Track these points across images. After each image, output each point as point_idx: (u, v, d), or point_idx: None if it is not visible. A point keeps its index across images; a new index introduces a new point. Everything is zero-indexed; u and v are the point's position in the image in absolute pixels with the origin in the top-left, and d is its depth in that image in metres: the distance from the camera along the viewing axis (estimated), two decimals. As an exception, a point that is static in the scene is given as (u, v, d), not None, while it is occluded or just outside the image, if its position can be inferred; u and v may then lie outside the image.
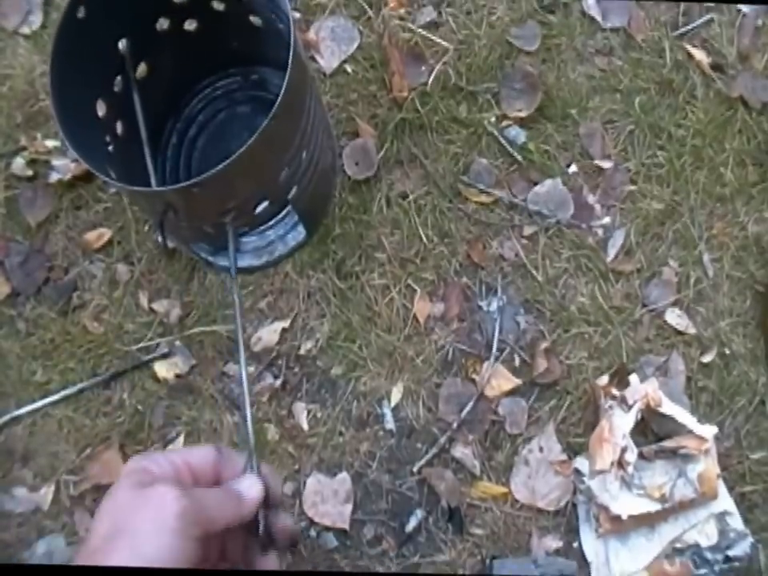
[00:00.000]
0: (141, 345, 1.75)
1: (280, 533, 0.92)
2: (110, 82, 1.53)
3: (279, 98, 1.28)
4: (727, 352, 1.69)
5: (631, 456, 1.53)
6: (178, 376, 1.74)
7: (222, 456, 0.91)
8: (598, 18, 1.85)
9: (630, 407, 1.56)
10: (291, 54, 1.29)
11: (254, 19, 1.57)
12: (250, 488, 0.90)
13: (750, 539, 1.53)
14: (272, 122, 1.29)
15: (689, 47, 1.82)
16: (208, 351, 1.74)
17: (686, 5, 1.85)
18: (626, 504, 1.53)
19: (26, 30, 1.93)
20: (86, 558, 0.76)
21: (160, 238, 1.46)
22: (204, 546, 0.80)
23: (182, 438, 1.71)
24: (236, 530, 0.88)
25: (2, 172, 1.86)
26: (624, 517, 1.52)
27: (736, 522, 1.57)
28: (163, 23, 1.57)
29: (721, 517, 1.56)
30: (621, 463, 1.54)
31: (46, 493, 1.70)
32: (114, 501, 0.79)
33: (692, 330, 1.70)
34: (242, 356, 1.08)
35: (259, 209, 1.51)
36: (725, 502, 1.59)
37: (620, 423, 1.55)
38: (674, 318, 1.71)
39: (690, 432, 1.56)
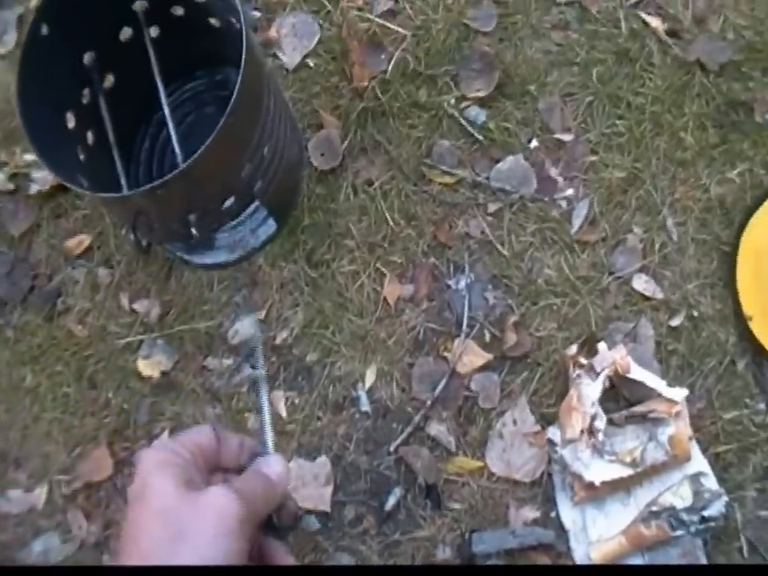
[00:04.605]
0: (125, 341, 1.74)
1: (285, 515, 0.88)
2: (78, 95, 1.52)
3: (233, 98, 1.27)
4: (695, 314, 1.61)
5: (600, 423, 1.47)
6: (163, 373, 1.71)
7: (219, 435, 0.86)
8: (553, -7, 1.80)
9: (597, 375, 1.50)
10: (243, 53, 1.27)
11: (213, 21, 1.55)
12: (279, 468, 0.85)
13: (725, 498, 1.46)
14: (228, 121, 1.27)
15: (644, 15, 1.75)
16: (188, 347, 1.71)
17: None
18: (599, 470, 1.47)
19: (0, 50, 1.93)
20: (140, 561, 0.73)
21: (133, 239, 1.44)
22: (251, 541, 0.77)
23: (166, 434, 1.69)
24: None
25: (-16, 188, 1.86)
26: (597, 483, 1.46)
27: (710, 483, 1.49)
28: (126, 32, 1.55)
29: (695, 478, 1.49)
30: (591, 431, 1.48)
31: (40, 493, 1.69)
32: (163, 502, 0.75)
33: (659, 295, 1.63)
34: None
35: (226, 204, 1.48)
36: (698, 463, 1.52)
37: (588, 391, 1.49)
38: (641, 283, 1.63)
39: (660, 396, 1.49)
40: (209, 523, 0.73)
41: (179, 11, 1.56)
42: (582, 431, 1.47)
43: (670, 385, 1.51)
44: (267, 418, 0.99)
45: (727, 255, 1.63)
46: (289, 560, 0.88)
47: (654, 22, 1.75)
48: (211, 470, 0.84)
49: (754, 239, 1.62)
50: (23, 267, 1.80)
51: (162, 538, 0.73)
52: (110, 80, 1.58)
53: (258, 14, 1.86)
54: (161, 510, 0.74)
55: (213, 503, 0.74)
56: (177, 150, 1.53)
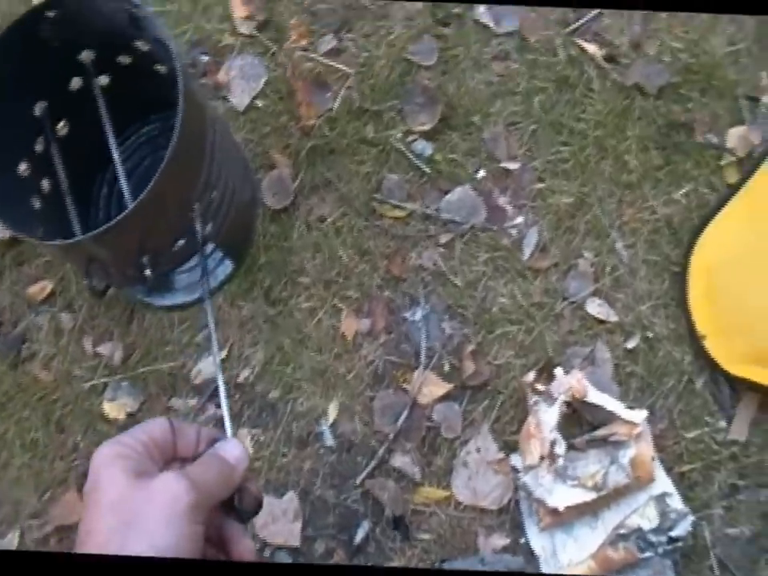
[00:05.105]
0: (90, 384, 1.71)
1: (247, 498, 0.88)
2: (31, 144, 1.50)
3: (172, 144, 1.25)
4: (650, 335, 1.60)
5: (560, 448, 1.46)
6: (129, 415, 1.68)
7: (175, 426, 0.85)
8: (491, 25, 1.79)
9: (555, 400, 1.49)
10: (181, 99, 1.25)
11: (160, 68, 1.52)
12: (237, 452, 0.86)
13: (691, 518, 1.45)
14: (169, 165, 1.24)
15: (581, 42, 1.75)
16: (152, 388, 1.69)
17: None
18: (561, 496, 1.45)
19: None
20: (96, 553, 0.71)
21: (87, 284, 1.43)
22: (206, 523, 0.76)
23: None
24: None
25: (-56, 241, 1.83)
26: (561, 509, 1.44)
27: (675, 503, 1.48)
28: (76, 82, 1.53)
29: (660, 499, 1.47)
30: (552, 456, 1.46)
31: (12, 538, 1.66)
32: (115, 493, 0.74)
33: (614, 318, 1.61)
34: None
35: (177, 246, 1.46)
36: (663, 483, 1.50)
37: (546, 417, 1.48)
38: (595, 307, 1.62)
39: (620, 418, 1.47)
40: (160, 509, 0.73)
41: (126, 60, 1.53)
42: (542, 457, 1.46)
43: (630, 407, 1.50)
44: (225, 404, 0.98)
45: (678, 275, 1.62)
46: (246, 542, 0.87)
47: (592, 48, 1.74)
48: (167, 461, 0.83)
49: (704, 258, 1.60)
50: (-13, 315, 1.78)
51: (115, 528, 0.72)
52: (63, 129, 1.56)
53: (206, 58, 1.84)
54: (113, 501, 0.74)
55: (163, 489, 0.74)
56: (127, 196, 1.51)
